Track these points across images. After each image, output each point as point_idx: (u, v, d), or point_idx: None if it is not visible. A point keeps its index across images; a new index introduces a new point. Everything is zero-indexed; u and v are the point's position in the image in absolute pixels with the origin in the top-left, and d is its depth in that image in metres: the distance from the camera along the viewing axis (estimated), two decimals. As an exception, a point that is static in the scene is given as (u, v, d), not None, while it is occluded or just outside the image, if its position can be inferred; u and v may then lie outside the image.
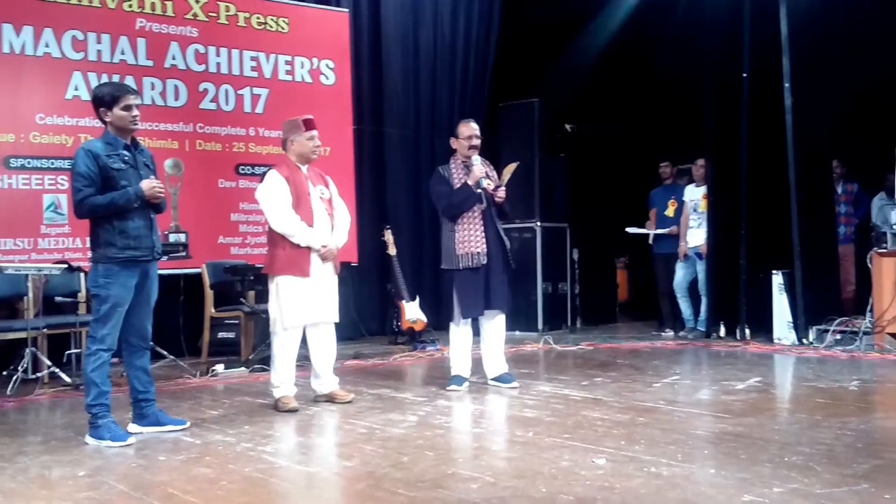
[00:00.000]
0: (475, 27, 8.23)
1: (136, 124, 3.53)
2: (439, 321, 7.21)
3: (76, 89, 6.01)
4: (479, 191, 4.40)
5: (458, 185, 4.43)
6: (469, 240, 4.39)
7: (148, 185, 3.48)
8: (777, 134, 6.05)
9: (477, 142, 4.50)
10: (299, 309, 4.04)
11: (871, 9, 6.20)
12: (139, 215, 3.49)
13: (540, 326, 7.35)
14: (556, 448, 3.11)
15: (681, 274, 6.79)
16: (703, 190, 6.75)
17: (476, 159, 4.46)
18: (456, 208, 4.41)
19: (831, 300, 6.13)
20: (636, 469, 2.79)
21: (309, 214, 4.07)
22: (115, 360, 3.60)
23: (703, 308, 6.73)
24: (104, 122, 3.50)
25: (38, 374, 4.90)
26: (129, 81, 6.13)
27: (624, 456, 2.96)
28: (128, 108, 3.47)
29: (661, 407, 3.86)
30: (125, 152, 3.50)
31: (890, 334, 5.49)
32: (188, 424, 3.69)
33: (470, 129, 4.51)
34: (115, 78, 5.86)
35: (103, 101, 3.45)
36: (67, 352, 5.14)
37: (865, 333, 5.55)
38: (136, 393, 3.61)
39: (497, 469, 2.89)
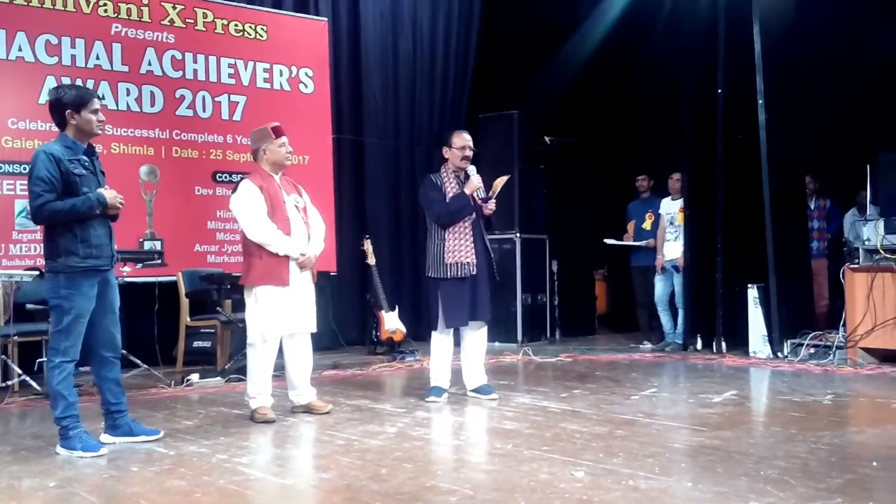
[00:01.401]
0: (454, 38, 8.28)
1: (101, 129, 3.49)
2: (418, 331, 7.20)
3: (49, 94, 5.91)
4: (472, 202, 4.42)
5: (453, 195, 4.43)
6: (459, 249, 4.38)
7: (111, 195, 3.41)
8: (751, 149, 6.14)
9: (470, 153, 4.51)
10: (279, 319, 4.00)
11: (843, 27, 6.33)
12: (100, 223, 3.41)
13: (519, 338, 7.36)
14: (535, 460, 3.11)
15: (660, 287, 6.84)
16: (679, 203, 6.82)
17: (472, 169, 4.48)
18: (451, 216, 4.40)
19: (805, 314, 6.21)
20: (614, 482, 2.79)
21: (285, 223, 4.04)
22: (86, 368, 3.53)
23: (679, 321, 6.78)
24: (64, 126, 3.42)
25: (8, 383, 4.80)
26: (104, 87, 6.10)
27: (602, 469, 2.96)
28: (95, 111, 3.42)
29: (640, 419, 3.88)
30: (85, 157, 3.43)
31: (863, 349, 5.57)
32: (162, 435, 3.63)
33: (463, 140, 4.51)
34: (90, 84, 5.79)
35: (69, 104, 3.37)
36: (39, 360, 5.04)
37: (839, 348, 5.63)
38: (108, 405, 3.54)
39: (476, 482, 2.87)
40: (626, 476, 2.86)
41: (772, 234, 6.02)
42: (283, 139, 4.13)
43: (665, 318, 6.85)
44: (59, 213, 3.30)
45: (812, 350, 5.78)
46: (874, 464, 2.99)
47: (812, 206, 7.03)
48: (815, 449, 3.22)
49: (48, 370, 3.38)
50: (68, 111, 3.38)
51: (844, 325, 5.68)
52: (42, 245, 5.53)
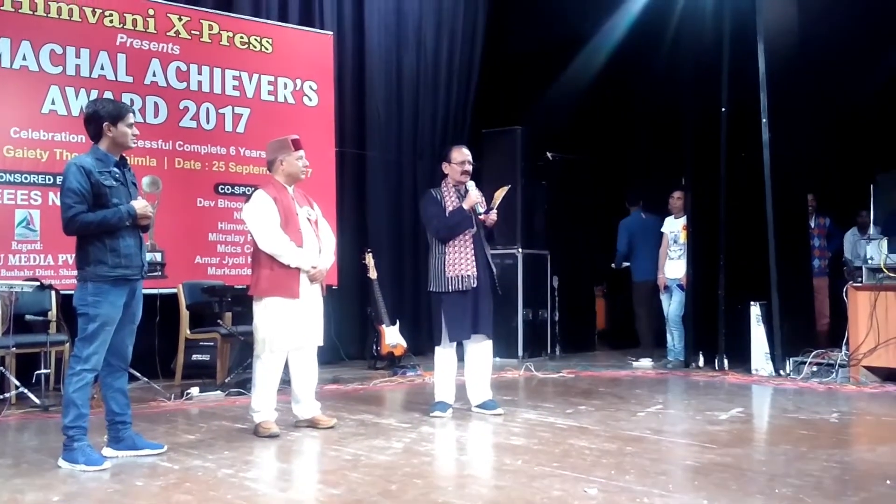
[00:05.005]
0: (458, 53, 8.30)
1: (135, 142, 3.54)
2: (419, 346, 7.16)
3: (53, 103, 5.90)
4: (472, 215, 4.41)
5: (452, 209, 4.43)
6: (460, 262, 4.38)
7: (141, 206, 3.44)
8: (754, 168, 6.16)
9: (469, 167, 4.52)
10: (287, 331, 3.96)
11: (847, 48, 6.39)
12: (130, 234, 3.44)
13: (520, 353, 7.33)
14: (547, 477, 3.07)
15: (666, 305, 6.82)
16: (682, 221, 6.81)
17: (471, 184, 4.48)
18: (450, 231, 4.40)
19: (807, 332, 6.20)
20: (629, 499, 2.76)
21: (297, 235, 4.01)
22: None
23: (676, 338, 6.76)
24: (98, 138, 3.45)
25: (6, 395, 4.73)
26: (108, 97, 6.06)
27: (615, 486, 2.93)
28: (130, 125, 3.46)
29: (648, 436, 3.85)
30: (116, 169, 3.46)
31: (865, 367, 5.56)
32: (165, 449, 3.58)
33: (462, 155, 4.52)
34: (94, 93, 5.77)
35: (106, 116, 3.41)
36: (37, 372, 4.97)
37: (841, 366, 5.62)
38: (113, 415, 3.50)
39: (488, 498, 2.84)
40: (640, 493, 2.83)
41: (774, 252, 6.02)
42: (301, 152, 4.13)
43: (676, 336, 6.79)
44: (90, 225, 3.33)
45: (814, 368, 5.77)
46: (887, 482, 2.97)
47: (812, 225, 7.05)
48: (828, 467, 3.20)
49: (67, 376, 3.36)
50: (105, 123, 3.42)
51: (847, 343, 5.67)
52: (42, 256, 5.61)
